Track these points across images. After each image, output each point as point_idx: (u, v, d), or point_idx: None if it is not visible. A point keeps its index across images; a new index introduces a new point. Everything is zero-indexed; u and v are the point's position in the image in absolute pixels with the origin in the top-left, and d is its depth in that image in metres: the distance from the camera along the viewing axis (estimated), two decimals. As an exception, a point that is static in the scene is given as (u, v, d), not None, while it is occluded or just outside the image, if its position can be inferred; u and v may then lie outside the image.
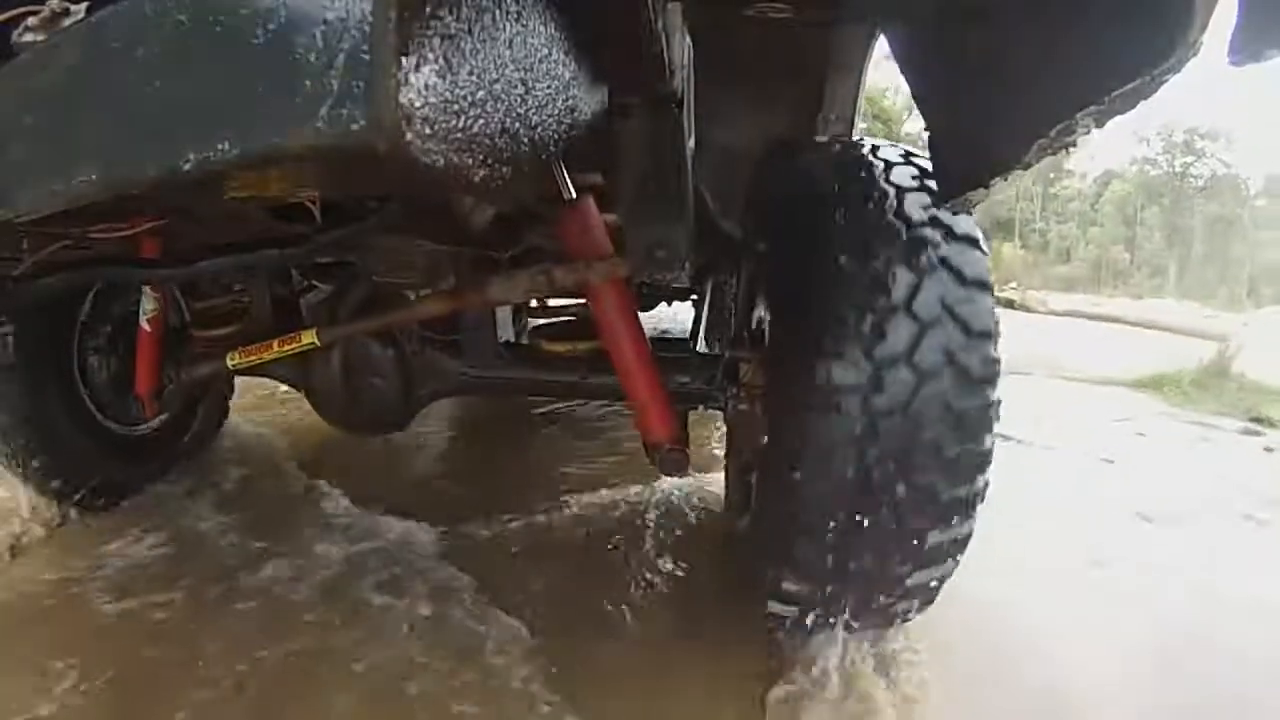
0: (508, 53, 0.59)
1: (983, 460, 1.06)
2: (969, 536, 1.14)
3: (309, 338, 1.42)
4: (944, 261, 1.03)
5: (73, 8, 0.58)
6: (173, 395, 1.73)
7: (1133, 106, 0.54)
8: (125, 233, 0.88)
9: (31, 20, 0.58)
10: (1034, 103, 0.62)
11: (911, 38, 0.92)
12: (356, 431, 1.79)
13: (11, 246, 1.00)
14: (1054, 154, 0.64)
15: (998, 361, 1.05)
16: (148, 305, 1.62)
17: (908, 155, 1.18)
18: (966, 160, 0.80)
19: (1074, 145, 0.61)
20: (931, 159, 1.02)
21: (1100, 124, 0.57)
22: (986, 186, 0.76)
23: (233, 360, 1.54)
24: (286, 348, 1.44)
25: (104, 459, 1.85)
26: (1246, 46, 0.44)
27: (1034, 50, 0.64)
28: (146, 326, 1.63)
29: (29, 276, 1.09)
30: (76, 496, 1.82)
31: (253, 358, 1.51)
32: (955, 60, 0.79)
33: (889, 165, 1.15)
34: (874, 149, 1.20)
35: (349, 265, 1.49)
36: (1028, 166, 0.66)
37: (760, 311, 1.28)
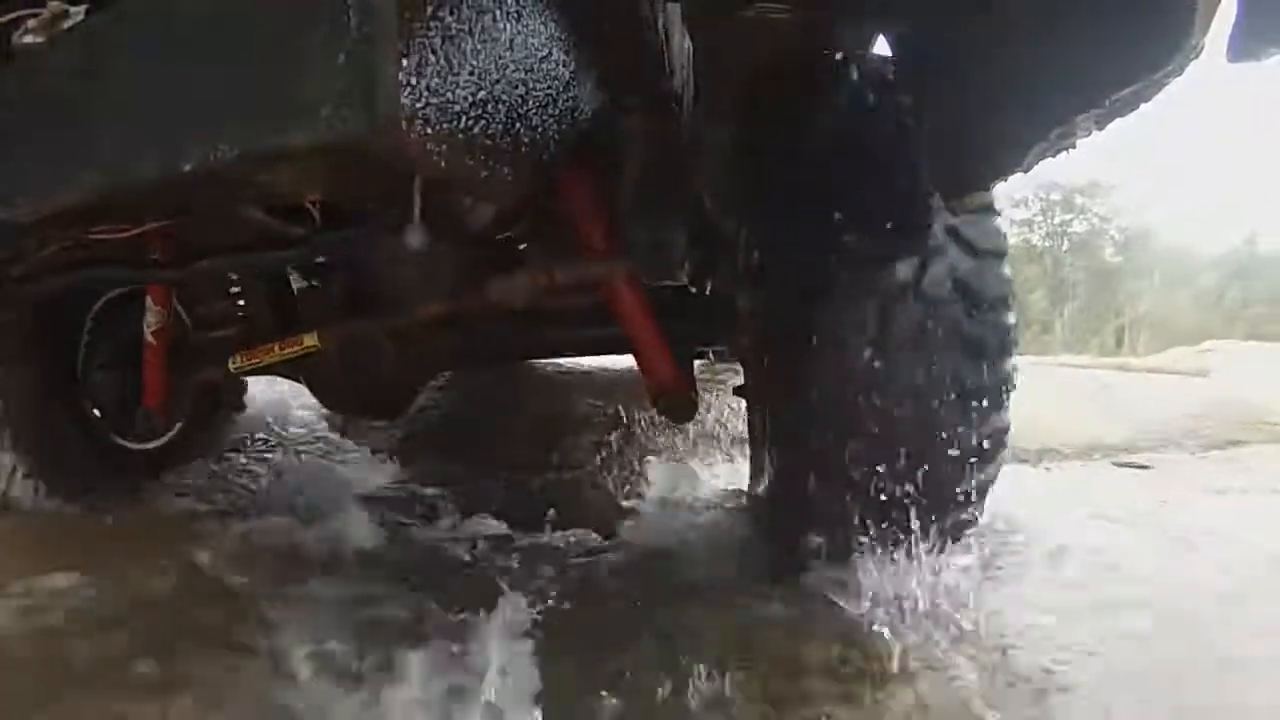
0: (508, 53, 0.59)
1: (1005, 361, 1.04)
2: (1000, 451, 1.10)
3: (310, 341, 1.41)
4: None
5: (72, 10, 0.58)
6: (181, 405, 1.71)
7: (1133, 109, 0.54)
8: (125, 233, 0.88)
9: (32, 22, 0.58)
10: (1034, 106, 0.62)
11: (911, 40, 0.92)
12: (360, 416, 1.78)
13: (12, 246, 1.00)
14: (1054, 157, 0.64)
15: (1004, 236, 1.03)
16: (151, 318, 1.60)
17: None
18: (966, 163, 0.80)
19: (1074, 148, 0.61)
20: (931, 161, 1.01)
21: (1100, 127, 0.57)
22: (986, 189, 0.76)
23: (235, 364, 1.54)
24: (288, 351, 1.44)
25: (121, 478, 1.81)
26: (1245, 46, 0.44)
27: (1034, 53, 0.64)
28: (151, 339, 1.61)
29: (30, 277, 1.09)
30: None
31: (255, 360, 1.51)
32: (955, 63, 0.79)
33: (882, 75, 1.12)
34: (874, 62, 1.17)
35: (348, 264, 1.49)
36: (1028, 170, 0.66)
37: (757, 243, 1.26)
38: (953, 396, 1.00)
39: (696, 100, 1.25)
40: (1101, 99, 0.54)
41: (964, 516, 1.15)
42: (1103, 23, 0.55)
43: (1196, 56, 0.48)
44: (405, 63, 0.46)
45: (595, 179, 1.18)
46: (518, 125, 0.61)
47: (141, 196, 0.64)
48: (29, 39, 0.58)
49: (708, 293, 1.67)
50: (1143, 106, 0.54)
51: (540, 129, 0.66)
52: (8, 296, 1.15)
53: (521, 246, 1.33)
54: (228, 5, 0.50)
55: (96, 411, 1.77)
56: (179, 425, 1.96)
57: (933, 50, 0.85)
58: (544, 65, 0.66)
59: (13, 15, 0.59)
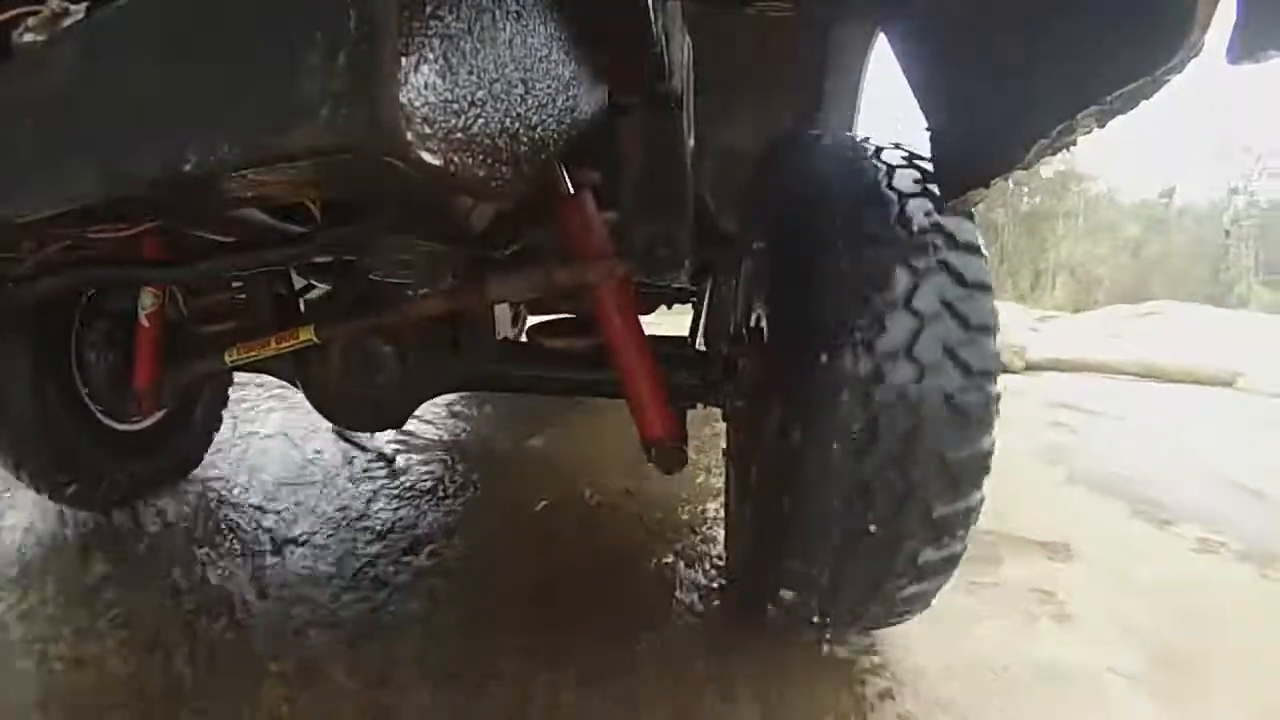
0: (508, 52, 0.59)
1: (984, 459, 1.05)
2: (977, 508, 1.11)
3: (307, 335, 1.42)
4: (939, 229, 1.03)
5: (72, 8, 0.58)
6: (171, 391, 1.72)
7: (1134, 106, 0.54)
8: (125, 233, 0.88)
9: (31, 20, 0.58)
10: (1035, 103, 0.62)
11: (912, 36, 0.92)
12: (354, 429, 1.79)
13: (12, 247, 1.00)
14: (1054, 154, 0.64)
15: (998, 355, 1.04)
16: (146, 301, 1.62)
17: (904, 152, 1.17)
18: (967, 160, 0.80)
19: (1074, 144, 0.61)
20: (932, 159, 1.01)
21: (1101, 124, 0.57)
22: (987, 186, 0.76)
23: (230, 356, 1.54)
24: (284, 344, 1.44)
25: (105, 458, 1.83)
26: (1246, 46, 0.44)
27: (1035, 50, 0.64)
28: (145, 322, 1.63)
29: (29, 277, 1.09)
30: (81, 498, 1.81)
31: (251, 354, 1.51)
32: (955, 59, 0.79)
33: (886, 158, 1.14)
34: (870, 144, 1.19)
35: (348, 264, 1.49)
36: (1028, 167, 0.66)
37: (758, 307, 1.27)
38: (936, 468, 1.02)
39: (696, 101, 1.25)
40: (1103, 96, 0.54)
41: (938, 582, 1.17)
42: (1105, 19, 0.55)
43: (1198, 54, 0.48)
44: (405, 62, 0.46)
45: (595, 179, 1.18)
46: (518, 125, 0.61)
47: (141, 197, 0.64)
48: (29, 37, 0.58)
49: (703, 349, 1.69)
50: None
51: (540, 129, 0.66)
52: (8, 297, 1.15)
53: (510, 241, 1.33)
54: (227, 4, 0.50)
55: (85, 389, 1.78)
56: (164, 413, 1.98)
57: (933, 46, 0.85)
58: (543, 65, 0.66)
59: (12, 13, 0.59)
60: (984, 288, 1.04)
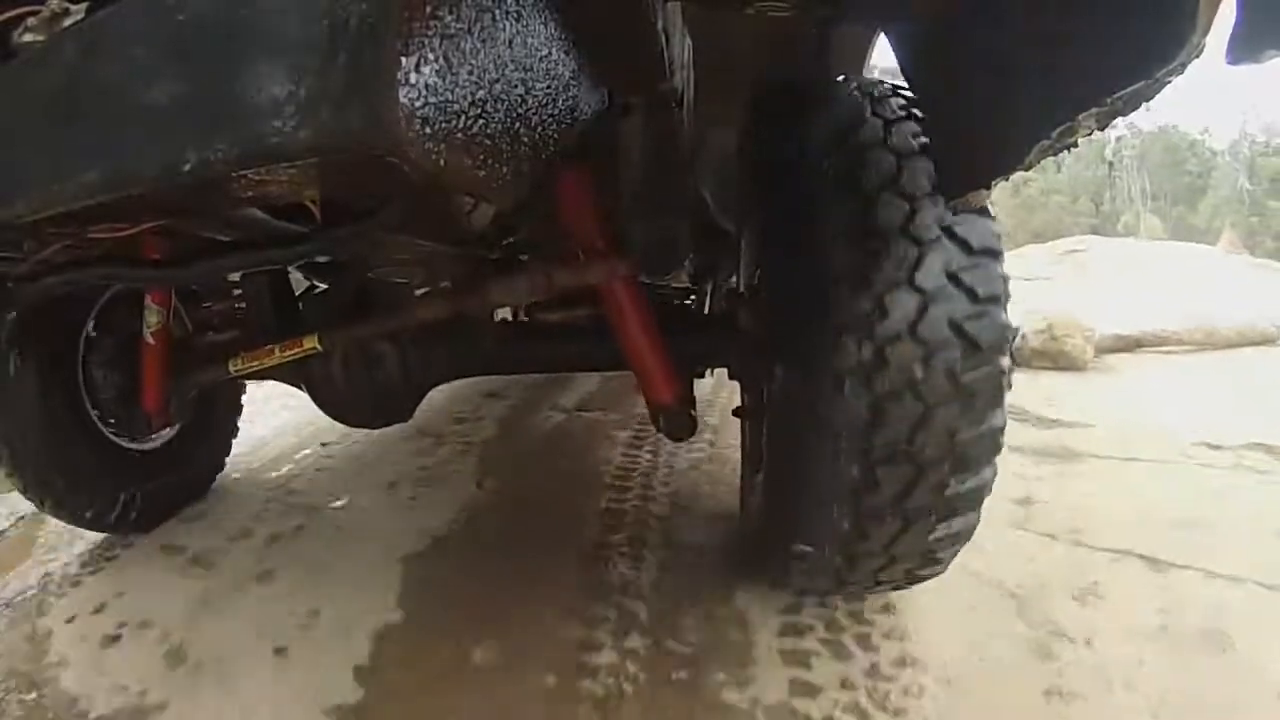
0: (508, 52, 0.59)
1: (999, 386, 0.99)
2: (991, 477, 1.07)
3: (311, 343, 1.41)
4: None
5: (73, 8, 0.58)
6: (180, 406, 1.71)
7: (1135, 108, 0.54)
8: (125, 233, 0.88)
9: (31, 21, 0.58)
10: (1035, 104, 0.62)
11: (913, 38, 0.91)
12: (361, 425, 1.78)
13: (13, 246, 1.00)
14: (1055, 155, 0.63)
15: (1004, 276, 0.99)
16: (151, 318, 1.60)
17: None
18: (968, 161, 0.79)
19: (1075, 146, 0.61)
20: (933, 159, 1.01)
21: (1102, 126, 0.57)
22: (988, 187, 0.76)
23: (235, 366, 1.53)
24: (288, 353, 1.44)
25: (123, 479, 1.80)
26: (1245, 47, 0.44)
27: (1036, 51, 0.64)
28: (150, 340, 1.61)
29: (29, 277, 1.09)
30: (98, 519, 1.78)
31: (255, 363, 1.51)
32: (956, 61, 0.79)
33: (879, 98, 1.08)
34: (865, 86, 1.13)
35: (348, 265, 1.49)
36: (1029, 168, 0.65)
37: (758, 264, 1.24)
38: (943, 424, 0.98)
39: (696, 100, 1.25)
40: (1104, 97, 0.54)
41: (954, 545, 1.15)
42: (1105, 20, 0.55)
43: (1199, 55, 0.48)
44: (405, 62, 0.46)
45: (595, 179, 1.18)
46: (518, 125, 0.61)
47: (141, 196, 0.64)
48: (29, 37, 0.58)
49: (709, 310, 1.67)
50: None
51: (540, 129, 0.66)
52: (8, 297, 1.15)
53: (510, 241, 1.32)
54: (227, 4, 0.50)
55: (94, 410, 1.76)
56: (178, 427, 1.95)
57: (934, 48, 0.85)
58: (544, 65, 0.66)
59: (12, 13, 0.59)
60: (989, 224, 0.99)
